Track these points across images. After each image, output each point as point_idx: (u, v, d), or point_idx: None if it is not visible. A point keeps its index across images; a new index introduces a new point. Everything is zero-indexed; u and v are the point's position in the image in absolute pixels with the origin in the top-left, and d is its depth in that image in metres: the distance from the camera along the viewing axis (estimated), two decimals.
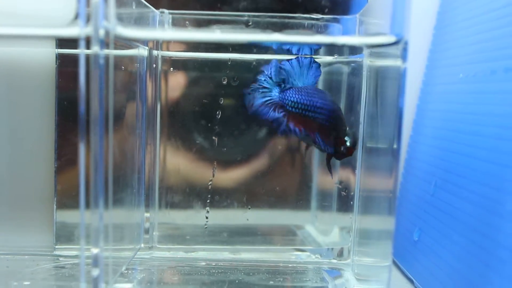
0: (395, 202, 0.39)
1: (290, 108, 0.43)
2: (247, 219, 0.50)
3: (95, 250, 0.36)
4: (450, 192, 0.47)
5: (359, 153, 0.48)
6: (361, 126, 0.48)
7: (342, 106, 0.50)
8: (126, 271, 0.46)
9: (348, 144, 0.43)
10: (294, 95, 0.42)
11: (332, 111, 0.43)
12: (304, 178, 0.52)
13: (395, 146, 0.39)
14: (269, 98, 0.43)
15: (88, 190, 0.35)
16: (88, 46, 0.35)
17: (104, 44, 0.35)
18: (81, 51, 0.35)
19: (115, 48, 0.38)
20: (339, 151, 0.44)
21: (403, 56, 0.38)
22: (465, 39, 0.51)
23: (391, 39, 0.38)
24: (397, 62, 0.38)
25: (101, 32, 0.35)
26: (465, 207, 0.44)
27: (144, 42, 0.47)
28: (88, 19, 0.35)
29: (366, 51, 0.46)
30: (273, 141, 0.51)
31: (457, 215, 0.45)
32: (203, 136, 0.50)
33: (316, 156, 0.52)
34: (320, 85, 0.51)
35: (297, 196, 0.52)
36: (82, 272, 0.37)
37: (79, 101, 0.35)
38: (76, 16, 0.36)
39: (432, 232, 0.49)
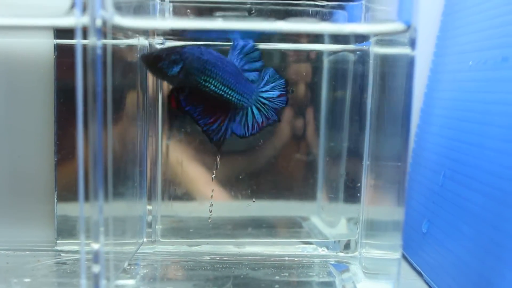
0: (404, 192, 0.38)
1: None
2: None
3: (95, 246, 0.35)
4: (459, 183, 0.46)
5: (366, 143, 0.47)
6: (368, 117, 0.46)
7: (348, 96, 0.49)
8: (129, 267, 0.45)
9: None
10: None
11: None
12: (309, 169, 0.51)
13: (404, 136, 0.37)
14: None
15: (87, 183, 0.34)
16: (85, 37, 0.34)
17: (102, 34, 0.34)
18: (78, 41, 0.34)
19: (114, 39, 0.37)
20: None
21: (412, 44, 0.36)
22: (475, 25, 0.49)
23: (399, 26, 0.36)
24: (406, 50, 0.37)
25: (98, 22, 0.34)
26: (475, 198, 0.43)
27: (145, 32, 0.46)
28: (84, 8, 0.34)
29: (372, 39, 0.45)
30: (277, 132, 0.50)
31: (467, 206, 0.44)
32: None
33: (321, 145, 0.51)
34: (324, 74, 0.50)
35: (303, 187, 0.51)
36: (83, 268, 0.36)
37: (77, 93, 0.34)
38: (73, 5, 0.35)
39: (441, 223, 0.48)
